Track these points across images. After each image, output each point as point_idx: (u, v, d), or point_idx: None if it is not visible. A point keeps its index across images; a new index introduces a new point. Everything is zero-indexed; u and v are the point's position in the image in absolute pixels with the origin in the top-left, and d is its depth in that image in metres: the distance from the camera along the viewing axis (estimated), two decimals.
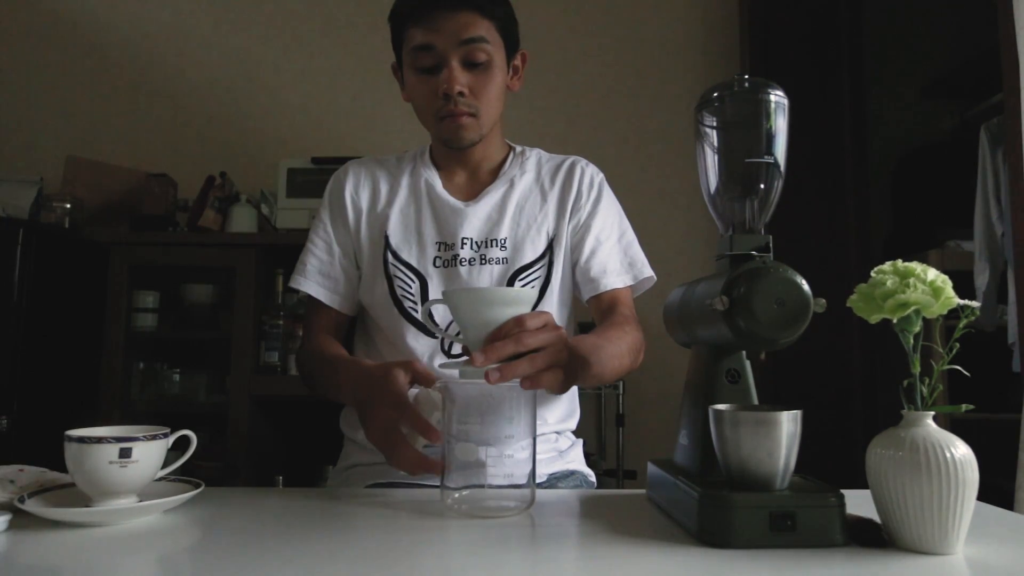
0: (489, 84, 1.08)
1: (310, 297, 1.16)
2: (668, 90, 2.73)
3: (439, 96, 1.06)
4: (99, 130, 2.69)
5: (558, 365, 0.80)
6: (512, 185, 1.17)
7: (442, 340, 1.10)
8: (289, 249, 2.03)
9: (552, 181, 1.19)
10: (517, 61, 1.16)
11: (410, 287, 1.12)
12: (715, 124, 0.79)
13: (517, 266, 1.12)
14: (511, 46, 1.13)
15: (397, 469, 0.84)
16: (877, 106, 2.82)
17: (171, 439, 0.78)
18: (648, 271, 1.18)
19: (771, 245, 0.73)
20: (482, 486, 0.75)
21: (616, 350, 1.02)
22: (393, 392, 0.84)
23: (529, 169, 1.20)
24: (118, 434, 0.73)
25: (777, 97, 0.76)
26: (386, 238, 1.14)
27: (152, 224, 2.29)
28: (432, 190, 1.16)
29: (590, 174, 1.20)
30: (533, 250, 1.13)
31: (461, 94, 1.06)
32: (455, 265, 1.12)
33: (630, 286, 1.17)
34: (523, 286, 1.12)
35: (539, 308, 1.10)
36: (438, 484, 1.03)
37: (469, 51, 1.05)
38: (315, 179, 2.27)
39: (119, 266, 2.17)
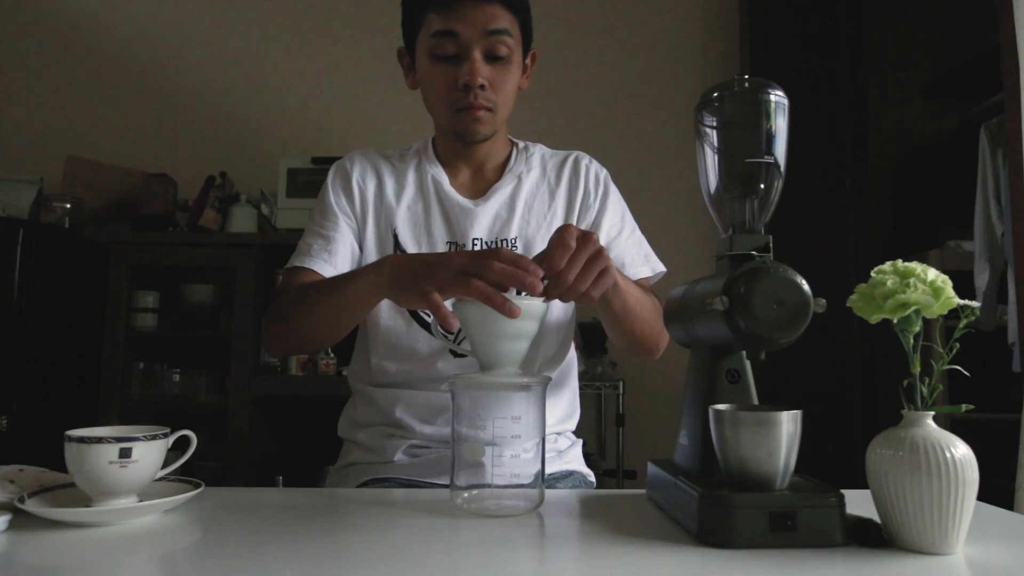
0: (508, 79, 1.07)
1: (299, 269, 1.10)
2: (668, 90, 2.73)
3: (458, 87, 1.04)
4: (99, 130, 2.69)
5: (605, 265, 0.82)
6: (520, 182, 1.16)
7: (453, 340, 1.10)
8: (289, 249, 2.02)
9: (558, 178, 1.18)
10: (528, 60, 1.14)
11: None
12: (715, 124, 0.79)
13: None
14: (527, 44, 1.12)
15: (492, 276, 0.77)
16: (877, 106, 2.82)
17: (171, 439, 0.78)
18: (661, 265, 1.18)
19: (771, 245, 0.73)
20: (488, 485, 0.75)
21: (636, 291, 1.02)
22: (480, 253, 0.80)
23: (535, 165, 1.19)
24: (118, 434, 0.73)
25: (777, 97, 0.76)
26: (395, 235, 1.13)
27: (152, 224, 2.30)
28: (440, 188, 1.15)
29: (595, 171, 1.20)
30: (543, 249, 1.13)
31: (482, 87, 1.04)
32: None
33: (648, 277, 1.17)
34: None
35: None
36: (438, 483, 1.04)
37: (493, 43, 1.04)
38: (315, 179, 2.27)
39: (119, 266, 2.17)
